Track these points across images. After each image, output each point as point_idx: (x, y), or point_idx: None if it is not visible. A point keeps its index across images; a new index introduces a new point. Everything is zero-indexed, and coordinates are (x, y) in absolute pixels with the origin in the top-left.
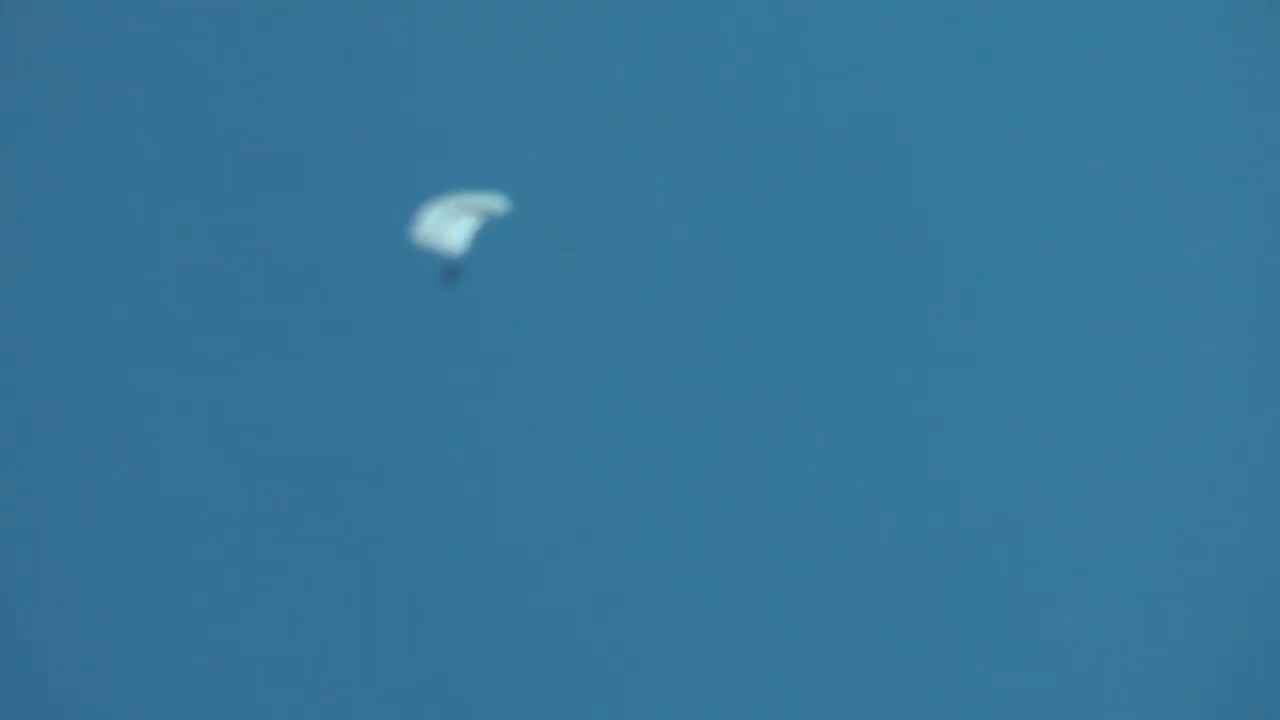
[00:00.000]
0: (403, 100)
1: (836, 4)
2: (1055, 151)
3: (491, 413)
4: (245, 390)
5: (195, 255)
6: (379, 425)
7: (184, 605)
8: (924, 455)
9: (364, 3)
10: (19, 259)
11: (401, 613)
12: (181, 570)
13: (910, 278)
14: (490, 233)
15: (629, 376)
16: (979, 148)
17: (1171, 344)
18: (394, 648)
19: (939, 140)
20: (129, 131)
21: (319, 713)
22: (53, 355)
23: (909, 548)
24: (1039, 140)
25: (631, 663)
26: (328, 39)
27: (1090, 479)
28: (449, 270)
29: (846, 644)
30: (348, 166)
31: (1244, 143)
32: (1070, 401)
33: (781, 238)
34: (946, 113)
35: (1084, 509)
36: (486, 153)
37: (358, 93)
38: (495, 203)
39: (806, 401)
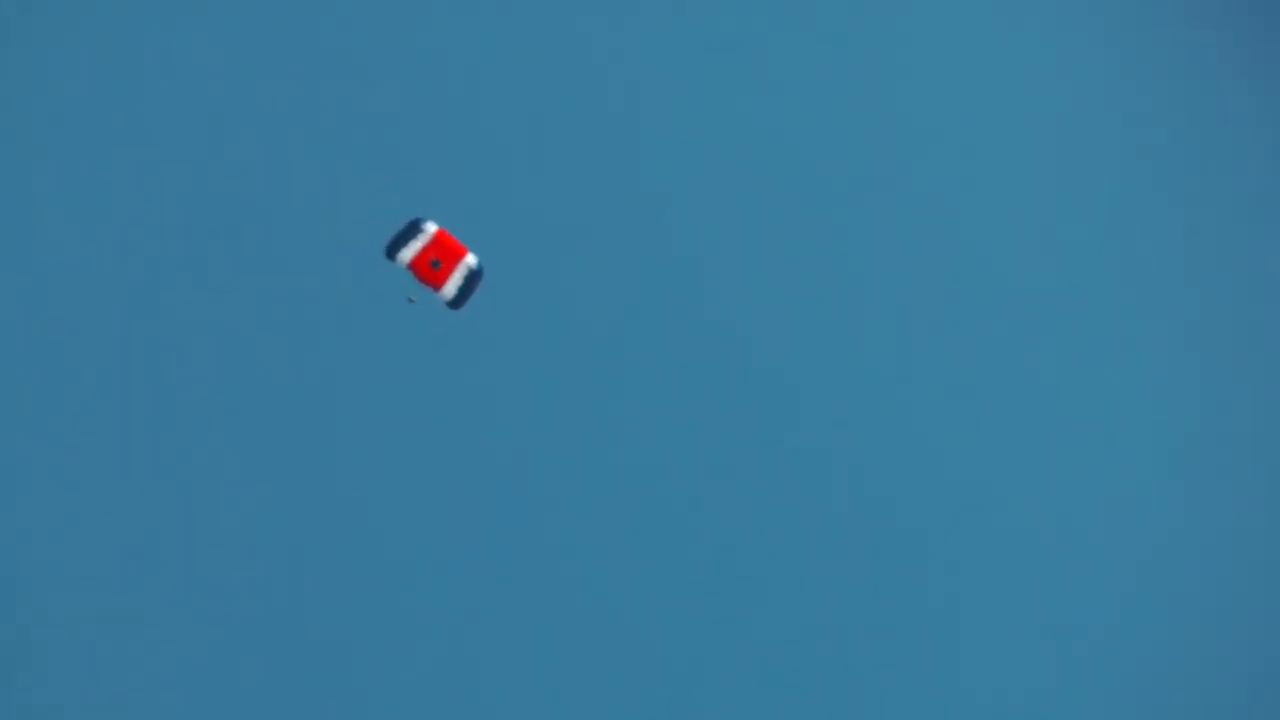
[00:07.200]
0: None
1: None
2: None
3: (499, 414)
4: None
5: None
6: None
7: (184, 605)
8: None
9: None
10: (18, 258)
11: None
12: (182, 569)
13: (909, 274)
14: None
15: (629, 375)
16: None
17: (1165, 344)
18: (393, 645)
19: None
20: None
21: (322, 711)
22: (51, 352)
23: (909, 545)
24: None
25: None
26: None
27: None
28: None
29: (844, 643)
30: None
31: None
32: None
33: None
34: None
35: (1085, 509)
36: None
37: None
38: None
39: (804, 401)
